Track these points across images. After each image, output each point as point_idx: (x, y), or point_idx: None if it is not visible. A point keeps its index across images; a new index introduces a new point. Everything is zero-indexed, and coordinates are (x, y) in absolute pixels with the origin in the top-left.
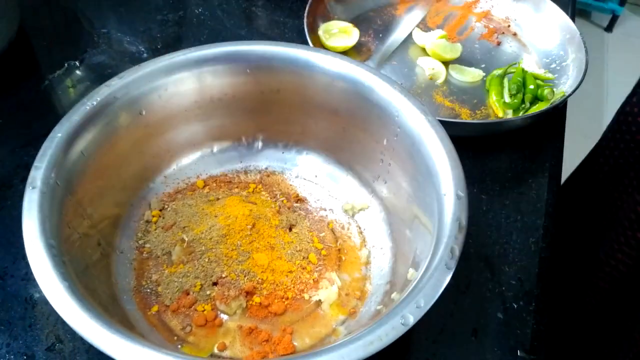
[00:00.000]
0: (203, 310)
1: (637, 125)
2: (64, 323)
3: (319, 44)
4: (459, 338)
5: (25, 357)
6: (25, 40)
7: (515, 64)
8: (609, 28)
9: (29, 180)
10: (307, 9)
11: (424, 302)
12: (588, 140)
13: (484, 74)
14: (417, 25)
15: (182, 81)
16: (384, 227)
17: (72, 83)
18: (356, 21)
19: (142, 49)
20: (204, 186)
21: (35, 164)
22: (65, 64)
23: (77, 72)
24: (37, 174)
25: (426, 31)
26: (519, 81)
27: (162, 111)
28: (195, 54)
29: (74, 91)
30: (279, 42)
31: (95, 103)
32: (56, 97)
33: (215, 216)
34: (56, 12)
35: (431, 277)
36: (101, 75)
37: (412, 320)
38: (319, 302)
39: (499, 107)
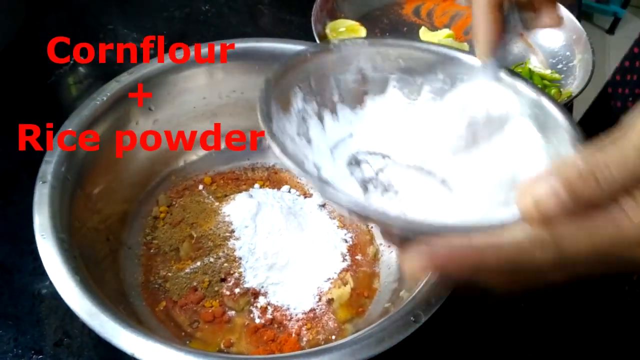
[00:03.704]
0: (211, 307)
1: None
2: (72, 318)
3: None
4: (470, 339)
5: (33, 352)
6: (31, 35)
7: (521, 64)
8: (611, 30)
9: (40, 174)
10: (314, 7)
11: (435, 299)
12: None
13: None
14: (424, 25)
15: (191, 77)
16: None
17: (78, 79)
18: (363, 20)
19: None
20: (212, 183)
21: (46, 158)
22: (72, 60)
23: (83, 67)
24: (48, 168)
25: (433, 30)
26: None
27: (171, 107)
28: (205, 51)
29: (80, 87)
30: (288, 39)
31: (105, 98)
32: (62, 92)
33: (223, 212)
34: (62, 8)
35: None
36: (107, 72)
37: (423, 317)
38: (330, 301)
39: None
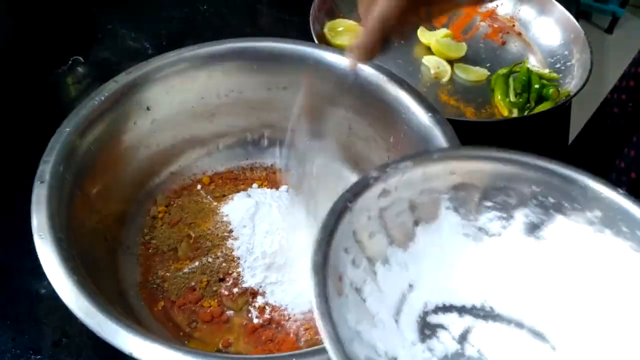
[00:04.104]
0: (209, 307)
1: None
2: (70, 318)
3: (325, 42)
4: None
5: (31, 352)
6: (30, 35)
7: (520, 63)
8: (609, 30)
9: (38, 174)
10: (312, 6)
11: None
12: None
13: (489, 73)
14: (422, 24)
15: (189, 77)
16: None
17: (76, 78)
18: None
19: (147, 46)
20: (210, 182)
21: (44, 158)
22: (70, 60)
23: (82, 67)
24: (46, 168)
25: (431, 30)
26: (524, 80)
27: (169, 107)
28: (203, 51)
29: (79, 86)
30: (287, 39)
31: (103, 98)
32: (61, 92)
33: (222, 212)
34: (61, 7)
35: None
36: (105, 71)
37: None
38: None
39: (504, 106)
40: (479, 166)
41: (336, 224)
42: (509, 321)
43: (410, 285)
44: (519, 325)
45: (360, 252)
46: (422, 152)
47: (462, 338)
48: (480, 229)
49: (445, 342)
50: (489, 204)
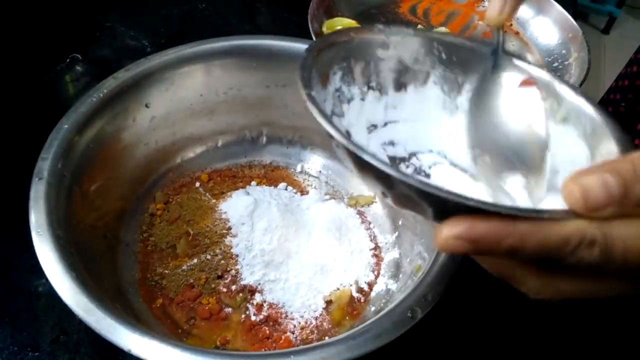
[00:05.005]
0: (208, 304)
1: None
2: (68, 315)
3: None
4: (467, 336)
5: (29, 349)
6: (28, 32)
7: None
8: (606, 30)
9: (36, 171)
10: (310, 5)
11: (432, 295)
12: None
13: None
14: (420, 23)
15: (188, 74)
16: (388, 222)
17: (75, 76)
18: (360, 18)
19: (146, 44)
20: (209, 180)
21: (42, 155)
22: (68, 57)
23: (81, 65)
24: (44, 165)
25: (429, 29)
26: None
27: (168, 104)
28: (202, 48)
29: (77, 84)
30: (286, 36)
31: (102, 95)
32: (59, 89)
33: (220, 210)
34: (60, 5)
35: (439, 270)
36: (104, 69)
37: (419, 313)
38: (329, 302)
39: None
40: (472, 56)
41: (335, 41)
42: (457, 166)
43: (385, 123)
44: (463, 170)
45: (350, 77)
46: (424, 29)
47: (412, 154)
48: (457, 106)
49: (397, 151)
50: (468, 87)
